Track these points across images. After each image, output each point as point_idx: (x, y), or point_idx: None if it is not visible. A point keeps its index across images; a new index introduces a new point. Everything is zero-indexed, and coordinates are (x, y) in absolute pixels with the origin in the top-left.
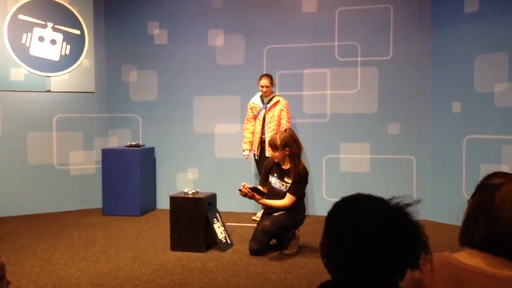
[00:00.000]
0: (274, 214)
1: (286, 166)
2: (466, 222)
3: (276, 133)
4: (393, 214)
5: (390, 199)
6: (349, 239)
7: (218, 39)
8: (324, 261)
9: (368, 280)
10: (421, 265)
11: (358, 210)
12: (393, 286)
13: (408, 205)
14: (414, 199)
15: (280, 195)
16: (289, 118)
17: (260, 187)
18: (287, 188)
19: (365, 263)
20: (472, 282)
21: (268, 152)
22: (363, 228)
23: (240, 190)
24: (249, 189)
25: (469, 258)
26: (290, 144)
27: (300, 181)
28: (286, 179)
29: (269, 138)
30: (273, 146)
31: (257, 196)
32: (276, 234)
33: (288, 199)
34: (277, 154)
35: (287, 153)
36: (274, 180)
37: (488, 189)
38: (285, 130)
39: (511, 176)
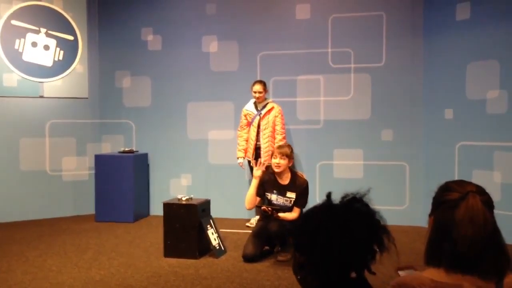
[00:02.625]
0: (279, 216)
1: (285, 181)
2: (431, 243)
3: (281, 144)
4: (347, 209)
5: (342, 197)
6: (318, 246)
7: (212, 45)
8: (298, 277)
9: (348, 268)
10: (386, 246)
11: (319, 216)
12: (367, 267)
13: (359, 197)
14: (364, 191)
15: (284, 210)
16: (283, 125)
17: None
18: (292, 202)
19: (339, 259)
20: None
21: (273, 160)
22: (325, 230)
23: (263, 208)
24: (271, 210)
25: (439, 277)
26: (293, 158)
27: (304, 194)
28: (288, 194)
29: (264, 145)
30: (284, 153)
31: (276, 213)
32: (279, 236)
33: (297, 213)
34: (284, 162)
35: (290, 164)
36: (274, 197)
37: (446, 207)
38: (289, 145)
39: (465, 186)
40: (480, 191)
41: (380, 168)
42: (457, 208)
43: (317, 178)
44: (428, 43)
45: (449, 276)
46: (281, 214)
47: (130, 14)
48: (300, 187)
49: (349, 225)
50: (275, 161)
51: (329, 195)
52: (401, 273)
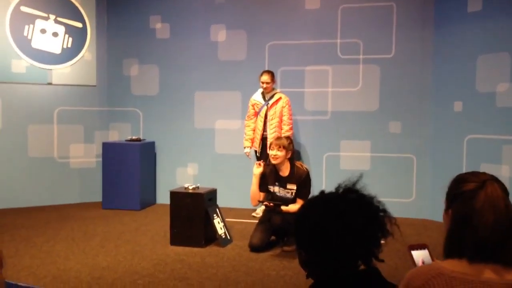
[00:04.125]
0: (282, 209)
1: (285, 173)
2: (451, 235)
3: (279, 135)
4: (342, 201)
5: (336, 189)
6: (318, 242)
7: (220, 34)
8: (306, 273)
9: (354, 260)
10: (390, 231)
11: (314, 213)
12: (373, 255)
13: (353, 185)
14: (356, 178)
15: (286, 201)
16: (291, 115)
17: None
18: (294, 194)
19: (342, 252)
20: None
21: (271, 151)
22: (323, 226)
23: (264, 203)
24: (270, 202)
25: (460, 267)
26: (291, 149)
27: (305, 185)
28: (289, 186)
29: (271, 135)
30: (281, 145)
31: (279, 207)
32: (283, 229)
33: (300, 204)
34: (282, 154)
35: (288, 156)
36: (277, 189)
37: (465, 198)
38: (289, 137)
39: (479, 176)
40: (495, 179)
41: (388, 160)
42: (476, 197)
43: (324, 169)
44: (439, 34)
45: (471, 266)
46: (284, 208)
47: (139, 2)
48: (300, 178)
49: (347, 218)
50: (272, 152)
51: (322, 192)
52: (413, 252)
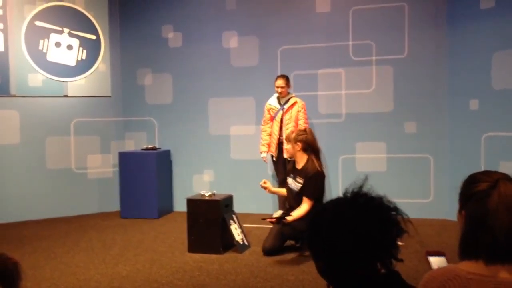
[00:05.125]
0: (288, 219)
1: (299, 165)
2: (465, 237)
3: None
4: (354, 203)
5: (344, 193)
6: (333, 252)
7: (232, 40)
8: (326, 282)
9: (372, 263)
10: (404, 228)
11: (325, 224)
12: (392, 256)
13: (359, 189)
14: (361, 180)
15: (295, 195)
16: (307, 119)
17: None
18: (300, 189)
19: (362, 255)
20: None
21: (284, 146)
22: (336, 236)
23: (268, 220)
24: (275, 219)
25: (476, 268)
26: (303, 141)
27: (311, 181)
28: (298, 179)
29: None
30: (287, 137)
31: (284, 219)
32: (295, 238)
33: (306, 204)
34: (289, 147)
35: (298, 148)
36: (290, 181)
37: (477, 199)
38: (304, 129)
39: (491, 175)
40: (508, 178)
41: (404, 161)
42: (489, 197)
43: (340, 172)
44: (452, 33)
45: (487, 267)
46: (289, 218)
47: (151, 12)
48: (307, 174)
49: (358, 224)
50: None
51: (330, 201)
52: (430, 258)
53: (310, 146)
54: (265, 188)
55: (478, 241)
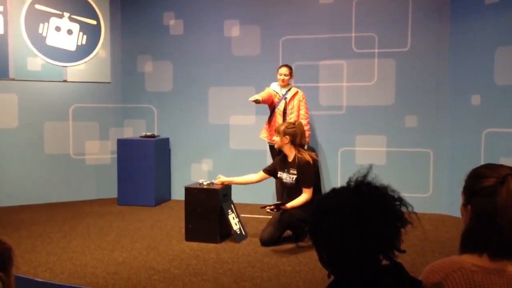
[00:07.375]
0: (287, 207)
1: (290, 158)
2: (471, 231)
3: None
4: (358, 191)
5: (347, 182)
6: (336, 242)
7: (233, 29)
8: (328, 272)
9: (375, 254)
10: (408, 219)
11: (328, 213)
12: (395, 247)
13: (364, 178)
14: (365, 170)
15: (292, 187)
16: (307, 110)
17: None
18: (295, 180)
19: (366, 245)
20: (489, 283)
21: (274, 137)
22: (342, 221)
23: (266, 209)
24: (273, 207)
25: (481, 262)
26: (292, 135)
27: (306, 171)
28: (291, 171)
29: None
30: (277, 129)
31: (283, 206)
32: (293, 226)
33: (307, 193)
34: (277, 139)
35: (286, 141)
36: (284, 175)
37: (485, 194)
38: (294, 123)
39: (498, 170)
40: None
41: (404, 155)
42: (498, 194)
43: (339, 164)
44: (455, 27)
45: (492, 262)
46: (289, 204)
47: None
48: (299, 164)
49: (362, 213)
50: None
51: (333, 189)
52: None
53: (297, 140)
54: (221, 183)
55: (485, 237)
